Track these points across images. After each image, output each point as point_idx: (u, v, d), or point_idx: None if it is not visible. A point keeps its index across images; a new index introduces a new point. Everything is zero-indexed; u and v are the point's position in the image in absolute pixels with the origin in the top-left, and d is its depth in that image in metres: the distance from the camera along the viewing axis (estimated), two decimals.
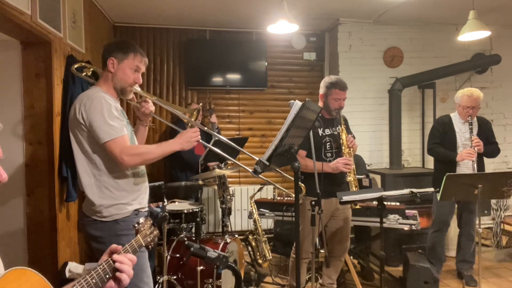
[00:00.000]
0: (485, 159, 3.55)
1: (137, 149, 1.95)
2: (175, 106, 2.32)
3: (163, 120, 2.50)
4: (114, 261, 1.13)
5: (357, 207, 2.91)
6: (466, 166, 3.39)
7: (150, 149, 1.95)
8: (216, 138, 2.50)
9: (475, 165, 3.26)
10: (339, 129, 2.94)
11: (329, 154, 2.94)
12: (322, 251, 2.94)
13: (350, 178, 2.85)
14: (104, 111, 1.85)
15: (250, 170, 1.90)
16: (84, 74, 2.37)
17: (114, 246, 1.17)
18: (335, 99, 2.89)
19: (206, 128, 2.24)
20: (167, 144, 1.98)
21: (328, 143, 2.93)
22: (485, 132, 3.53)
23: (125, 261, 1.14)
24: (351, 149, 2.90)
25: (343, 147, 2.88)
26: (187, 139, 1.97)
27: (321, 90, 2.95)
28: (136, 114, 2.23)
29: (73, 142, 1.93)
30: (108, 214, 1.90)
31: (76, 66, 2.48)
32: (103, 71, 2.04)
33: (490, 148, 3.48)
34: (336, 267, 3.09)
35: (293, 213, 3.15)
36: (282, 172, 2.31)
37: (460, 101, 3.48)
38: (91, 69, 2.38)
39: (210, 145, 2.32)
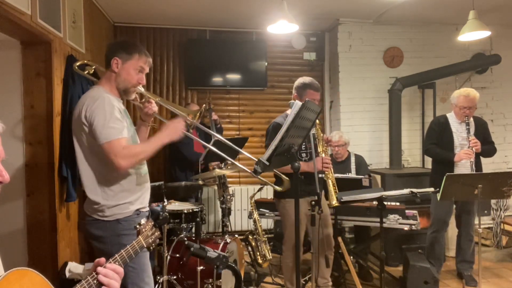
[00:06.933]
0: (484, 159, 3.55)
1: (131, 150, 1.90)
2: (178, 107, 2.31)
3: (163, 120, 2.50)
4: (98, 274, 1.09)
5: (335, 204, 2.85)
6: (464, 166, 3.38)
7: (143, 147, 1.94)
8: (216, 138, 2.50)
9: (473, 165, 3.26)
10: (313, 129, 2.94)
11: (304, 154, 2.96)
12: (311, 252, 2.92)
13: (328, 176, 2.85)
14: (106, 112, 1.84)
15: (249, 171, 1.90)
16: (86, 72, 2.36)
17: (97, 260, 1.14)
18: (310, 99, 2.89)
19: (207, 129, 2.23)
20: (156, 138, 1.96)
21: (303, 144, 2.93)
22: (482, 132, 3.52)
23: (110, 275, 1.10)
24: (327, 148, 2.94)
25: (319, 147, 2.89)
26: (173, 130, 1.98)
27: (295, 91, 2.95)
28: (139, 114, 2.22)
29: (76, 145, 1.92)
30: (111, 214, 1.89)
31: (78, 63, 2.47)
32: (106, 70, 2.02)
33: (487, 148, 3.47)
34: (326, 263, 3.07)
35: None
36: (277, 172, 2.32)
37: (456, 102, 3.47)
38: (93, 67, 2.38)
39: (210, 145, 2.31)
